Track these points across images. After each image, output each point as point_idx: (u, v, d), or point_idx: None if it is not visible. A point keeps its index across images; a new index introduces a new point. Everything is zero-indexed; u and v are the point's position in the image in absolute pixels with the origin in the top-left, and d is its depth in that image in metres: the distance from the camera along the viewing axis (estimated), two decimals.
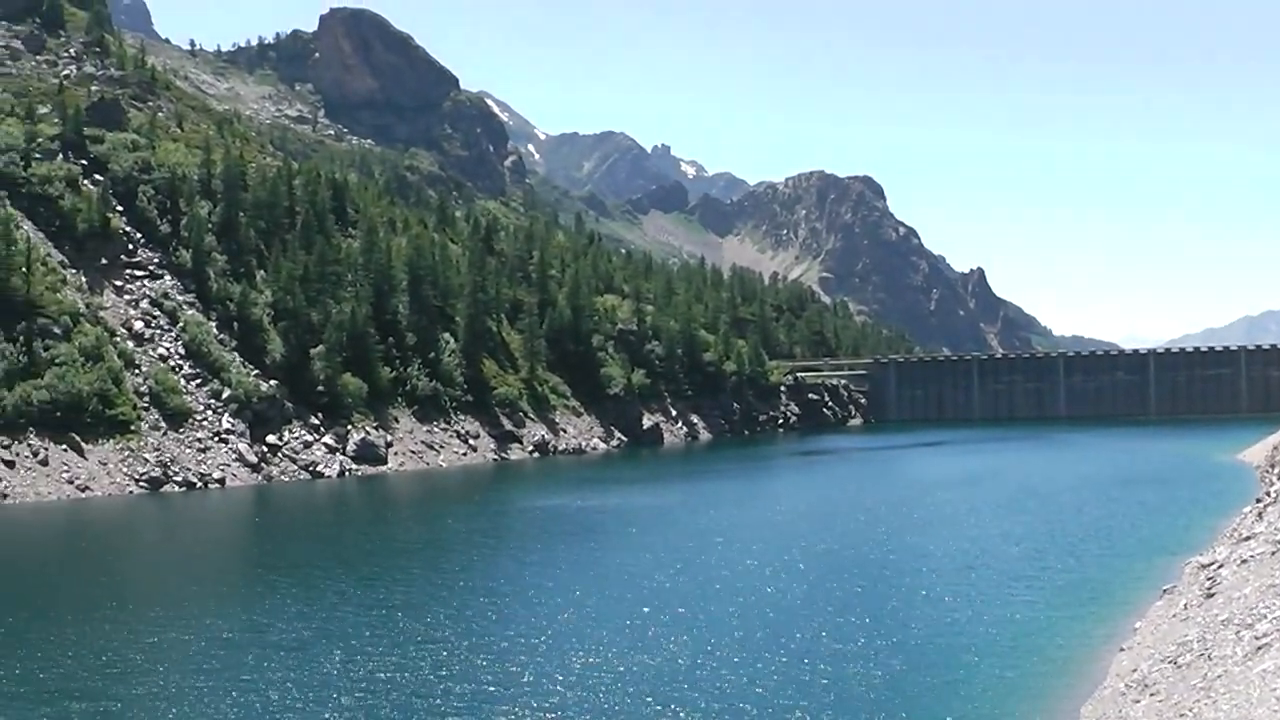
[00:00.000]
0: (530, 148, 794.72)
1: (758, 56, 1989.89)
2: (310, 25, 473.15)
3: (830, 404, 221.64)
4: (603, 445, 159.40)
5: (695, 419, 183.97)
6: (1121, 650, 43.17)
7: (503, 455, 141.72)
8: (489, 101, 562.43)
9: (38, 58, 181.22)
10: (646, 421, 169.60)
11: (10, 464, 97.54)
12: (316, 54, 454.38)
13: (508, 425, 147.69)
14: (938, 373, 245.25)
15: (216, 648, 46.62)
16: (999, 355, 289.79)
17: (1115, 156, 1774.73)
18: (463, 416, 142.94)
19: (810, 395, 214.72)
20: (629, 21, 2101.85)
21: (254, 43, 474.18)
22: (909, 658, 43.83)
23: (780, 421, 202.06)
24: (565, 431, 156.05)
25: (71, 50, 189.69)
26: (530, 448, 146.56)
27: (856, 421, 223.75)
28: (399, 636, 47.78)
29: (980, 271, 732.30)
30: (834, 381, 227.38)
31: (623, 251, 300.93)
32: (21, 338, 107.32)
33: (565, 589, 58.10)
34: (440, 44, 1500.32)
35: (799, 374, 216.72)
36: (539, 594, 57.48)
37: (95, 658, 44.91)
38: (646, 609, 52.52)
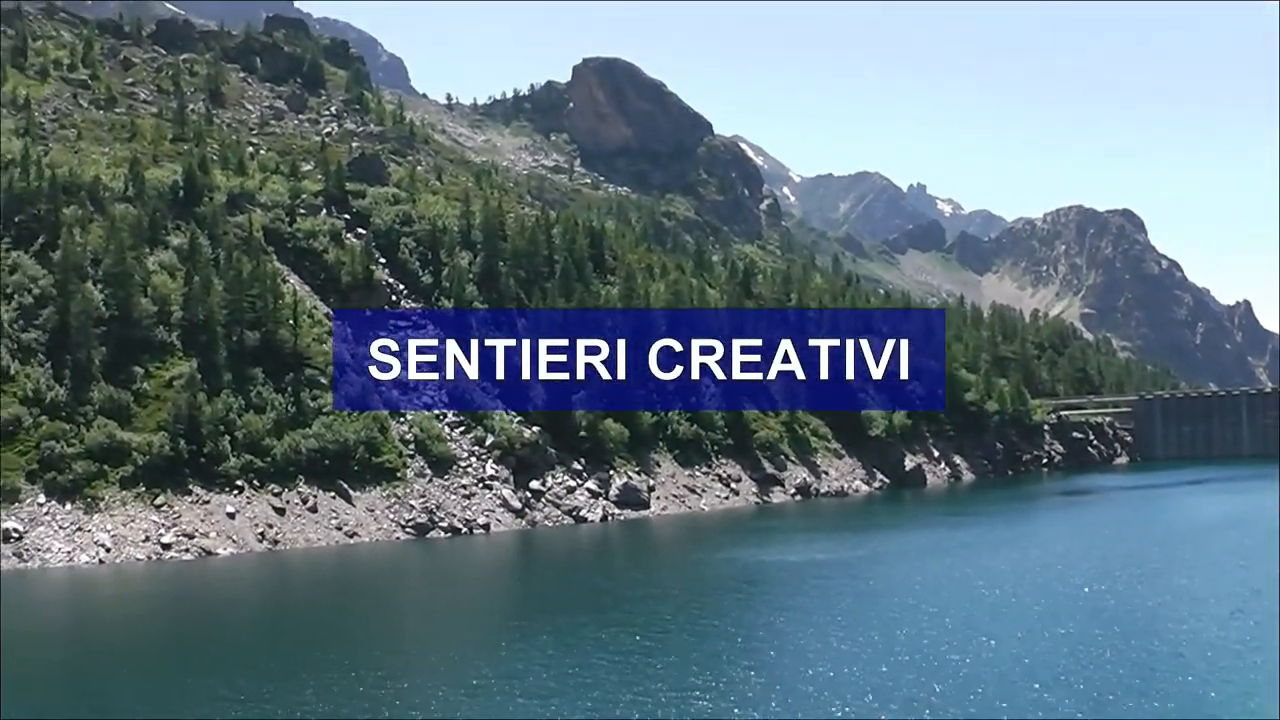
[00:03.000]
0: (785, 190, 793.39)
1: (1009, 91, 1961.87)
2: (564, 76, 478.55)
3: (1095, 442, 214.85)
4: (865, 487, 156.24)
5: (958, 459, 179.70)
6: None
7: (764, 498, 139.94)
8: (743, 145, 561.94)
9: (300, 117, 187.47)
10: (909, 463, 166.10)
11: (281, 511, 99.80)
12: (571, 104, 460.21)
13: (769, 468, 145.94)
14: (1205, 409, 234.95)
15: (467, 695, 46.69)
16: (1268, 389, 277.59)
17: None
18: (724, 460, 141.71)
19: (1074, 434, 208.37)
20: (879, 62, 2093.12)
21: (509, 95, 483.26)
22: (1181, 705, 42.08)
23: (1044, 461, 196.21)
24: (827, 474, 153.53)
25: (332, 108, 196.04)
26: (792, 490, 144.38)
27: (1122, 460, 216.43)
28: (650, 683, 46.98)
29: (1246, 304, 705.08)
30: (1098, 419, 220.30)
31: (881, 292, 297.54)
32: (290, 388, 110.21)
33: (819, 635, 56.92)
34: (693, 90, 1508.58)
35: (1062, 412, 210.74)
36: (792, 641, 56.43)
37: (348, 700, 45.42)
38: (904, 657, 50.99)
